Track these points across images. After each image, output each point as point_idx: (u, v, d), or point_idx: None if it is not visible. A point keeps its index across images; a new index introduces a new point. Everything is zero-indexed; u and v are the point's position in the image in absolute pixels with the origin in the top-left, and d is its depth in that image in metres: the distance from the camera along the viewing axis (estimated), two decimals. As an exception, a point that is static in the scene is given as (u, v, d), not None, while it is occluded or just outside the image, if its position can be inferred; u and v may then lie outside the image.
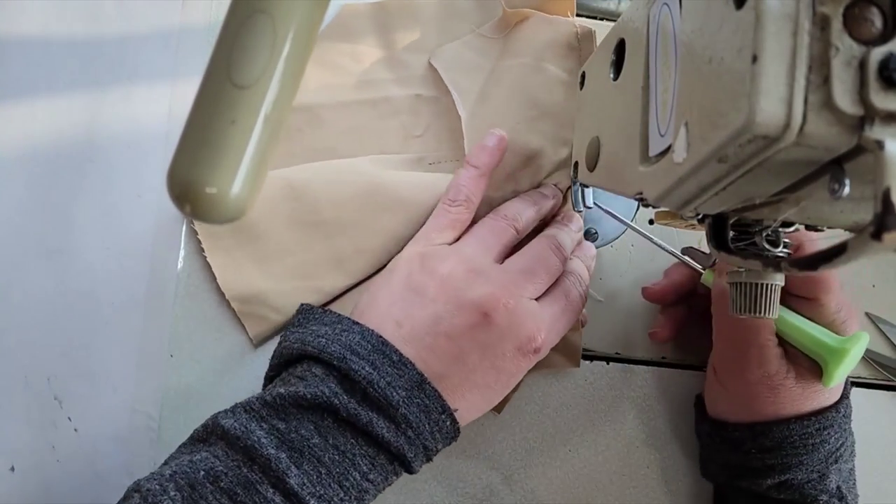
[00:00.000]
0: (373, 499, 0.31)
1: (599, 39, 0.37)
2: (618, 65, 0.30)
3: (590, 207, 0.41)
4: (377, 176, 0.40)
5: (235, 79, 0.20)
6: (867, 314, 0.44)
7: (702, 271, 0.38)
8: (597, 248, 0.43)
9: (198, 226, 0.39)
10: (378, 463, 0.30)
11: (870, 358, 0.43)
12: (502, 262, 0.35)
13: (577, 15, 0.45)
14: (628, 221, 0.39)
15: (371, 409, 0.30)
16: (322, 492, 0.28)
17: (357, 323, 0.32)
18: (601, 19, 0.46)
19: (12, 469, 0.37)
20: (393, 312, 0.32)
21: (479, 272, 0.33)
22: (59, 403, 0.38)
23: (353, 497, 0.29)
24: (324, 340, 0.31)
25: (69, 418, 0.38)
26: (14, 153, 0.39)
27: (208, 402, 0.38)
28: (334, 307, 0.39)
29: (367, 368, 0.30)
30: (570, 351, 0.41)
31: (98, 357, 0.38)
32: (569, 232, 0.38)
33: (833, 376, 0.32)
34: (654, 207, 0.29)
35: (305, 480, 0.28)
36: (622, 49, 0.29)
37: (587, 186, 0.41)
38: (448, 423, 0.31)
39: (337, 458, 0.29)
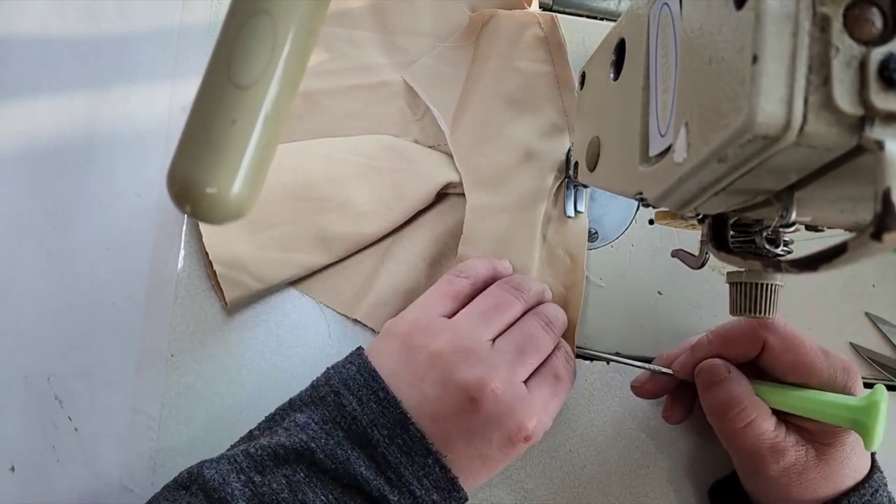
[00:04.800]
0: None
1: (593, 37, 0.37)
2: (618, 65, 0.30)
3: (581, 212, 0.41)
4: (374, 160, 0.40)
5: (236, 79, 0.20)
6: (867, 314, 0.44)
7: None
8: (597, 248, 0.43)
9: None
10: None
11: (870, 358, 0.43)
12: (496, 338, 0.33)
13: (578, 15, 0.46)
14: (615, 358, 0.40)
15: (353, 447, 0.30)
16: None
17: (361, 355, 0.32)
18: (601, 19, 0.46)
19: (12, 469, 0.37)
20: (385, 374, 0.32)
21: (470, 352, 0.31)
22: (60, 403, 0.38)
23: None
24: (332, 372, 0.32)
25: (69, 418, 0.38)
26: (14, 153, 0.39)
27: (208, 402, 0.38)
28: (311, 283, 0.40)
29: (353, 403, 0.30)
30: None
31: (98, 357, 0.38)
32: (554, 307, 0.37)
33: (874, 435, 0.31)
34: (654, 207, 0.29)
35: None
36: (622, 49, 0.29)
37: (586, 186, 0.41)
38: (437, 469, 0.30)
39: None
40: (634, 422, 0.42)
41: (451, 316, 0.34)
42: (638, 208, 0.43)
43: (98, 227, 0.39)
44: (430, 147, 0.42)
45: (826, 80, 0.17)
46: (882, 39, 0.17)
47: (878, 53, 0.17)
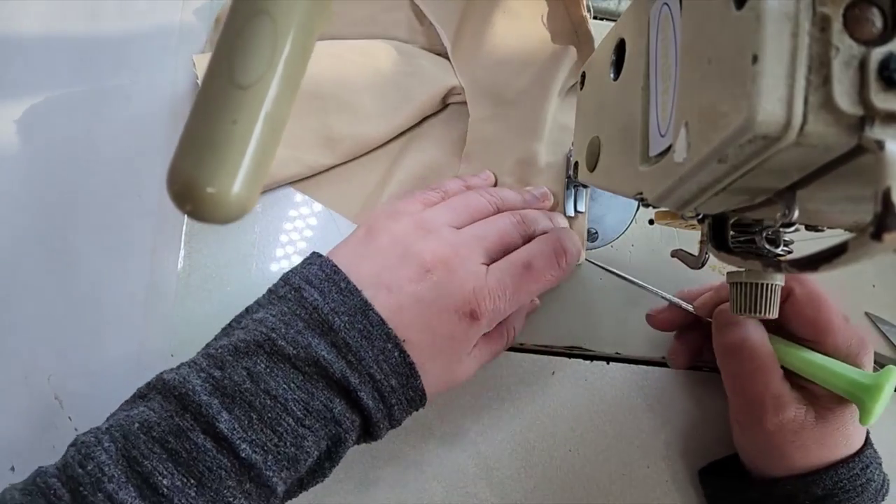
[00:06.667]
0: (316, 448, 0.30)
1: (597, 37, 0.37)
2: (618, 65, 0.30)
3: (581, 211, 0.41)
4: (381, 62, 0.40)
5: (236, 79, 0.20)
6: (867, 314, 0.44)
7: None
8: (597, 248, 0.43)
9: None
10: (313, 407, 0.29)
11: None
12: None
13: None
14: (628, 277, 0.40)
15: (313, 335, 0.30)
16: (254, 437, 0.28)
17: (320, 255, 0.33)
18: (601, 19, 0.46)
19: (12, 469, 0.37)
20: (344, 262, 0.33)
21: (429, 230, 0.33)
22: (60, 403, 0.38)
23: (288, 443, 0.29)
24: (290, 273, 0.33)
25: (69, 418, 0.38)
26: (14, 153, 0.39)
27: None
28: (314, 183, 0.41)
29: (314, 295, 0.31)
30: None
31: (98, 357, 0.38)
32: (545, 217, 0.37)
33: (871, 413, 0.31)
34: (654, 207, 0.29)
35: (236, 425, 0.28)
36: (622, 49, 0.29)
37: (585, 186, 0.41)
38: (396, 353, 0.31)
39: (269, 402, 0.29)
40: (635, 421, 0.42)
41: None
42: (638, 208, 0.43)
43: (98, 227, 0.39)
44: (436, 53, 0.43)
45: (826, 80, 0.17)
46: (882, 39, 0.17)
47: (878, 53, 0.17)
